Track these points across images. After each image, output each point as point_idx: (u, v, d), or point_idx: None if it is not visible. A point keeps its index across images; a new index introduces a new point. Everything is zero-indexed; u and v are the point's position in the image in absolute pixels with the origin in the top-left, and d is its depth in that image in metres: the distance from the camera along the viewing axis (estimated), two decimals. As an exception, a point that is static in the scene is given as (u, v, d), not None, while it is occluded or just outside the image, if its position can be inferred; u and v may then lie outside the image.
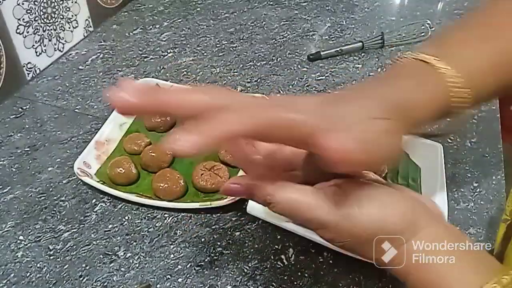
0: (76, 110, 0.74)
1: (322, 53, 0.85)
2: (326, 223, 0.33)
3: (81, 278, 0.51)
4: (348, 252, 0.37)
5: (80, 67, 0.84)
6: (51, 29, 0.82)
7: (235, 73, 0.82)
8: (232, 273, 0.52)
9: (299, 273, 0.52)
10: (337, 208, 0.32)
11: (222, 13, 0.99)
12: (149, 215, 0.58)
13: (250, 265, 0.53)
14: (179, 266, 0.53)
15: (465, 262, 0.34)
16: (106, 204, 0.59)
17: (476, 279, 0.32)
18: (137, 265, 0.53)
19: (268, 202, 0.33)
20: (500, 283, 0.31)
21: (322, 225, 0.33)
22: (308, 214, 0.32)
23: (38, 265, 0.53)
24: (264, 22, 0.97)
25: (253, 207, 0.52)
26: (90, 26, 0.92)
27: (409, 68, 0.39)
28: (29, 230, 0.56)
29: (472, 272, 0.33)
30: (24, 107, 0.74)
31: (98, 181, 0.59)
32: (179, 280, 0.51)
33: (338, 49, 0.85)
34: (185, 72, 0.82)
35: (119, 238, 0.56)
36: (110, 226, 0.57)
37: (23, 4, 0.74)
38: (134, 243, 0.55)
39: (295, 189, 0.33)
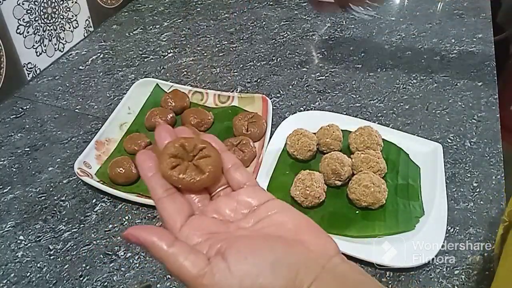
0: (76, 110, 0.74)
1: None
2: None
3: (81, 278, 0.52)
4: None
5: (80, 67, 0.84)
6: (51, 29, 0.82)
7: (235, 73, 0.82)
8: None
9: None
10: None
11: (222, 13, 0.99)
12: (149, 215, 0.58)
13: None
14: (179, 266, 0.53)
15: None
16: (106, 204, 0.59)
17: None
18: (137, 265, 0.53)
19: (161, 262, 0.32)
20: None
21: None
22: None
23: (38, 265, 0.53)
24: (264, 22, 0.97)
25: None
26: (91, 26, 0.92)
27: None
28: (29, 230, 0.56)
29: None
30: (24, 107, 0.75)
31: (98, 181, 0.59)
32: (179, 280, 0.51)
33: None
34: (185, 72, 0.82)
35: (119, 238, 0.56)
36: (110, 226, 0.57)
37: (23, 4, 0.74)
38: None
39: (186, 258, 0.30)
